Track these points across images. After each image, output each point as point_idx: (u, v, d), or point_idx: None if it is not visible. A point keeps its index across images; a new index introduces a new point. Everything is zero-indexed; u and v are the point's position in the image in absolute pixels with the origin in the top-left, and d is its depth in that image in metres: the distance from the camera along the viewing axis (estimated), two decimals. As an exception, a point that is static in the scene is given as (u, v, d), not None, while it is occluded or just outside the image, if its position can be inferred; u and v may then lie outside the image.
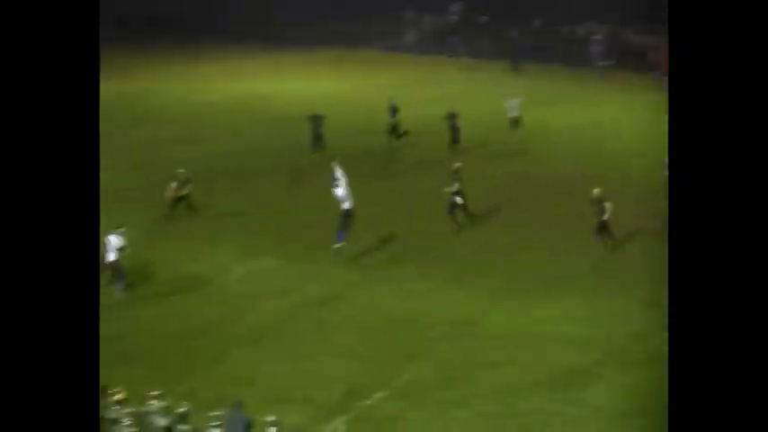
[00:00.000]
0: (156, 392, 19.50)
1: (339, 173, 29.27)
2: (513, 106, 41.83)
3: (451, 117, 39.63)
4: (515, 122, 41.88)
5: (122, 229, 27.72)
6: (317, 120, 38.98)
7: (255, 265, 29.10)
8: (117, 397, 19.46)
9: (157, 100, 48.59)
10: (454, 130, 39.41)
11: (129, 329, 25.19)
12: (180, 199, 32.11)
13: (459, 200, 30.88)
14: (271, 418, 18.64)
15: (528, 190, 34.57)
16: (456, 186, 30.90)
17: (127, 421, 19.09)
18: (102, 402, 19.30)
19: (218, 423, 18.83)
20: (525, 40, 53.70)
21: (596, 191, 29.42)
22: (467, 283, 27.79)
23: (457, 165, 31.63)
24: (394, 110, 40.38)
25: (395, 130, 39.98)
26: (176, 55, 58.89)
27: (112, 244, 27.26)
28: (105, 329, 24.29)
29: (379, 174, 37.31)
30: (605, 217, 29.10)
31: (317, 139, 38.90)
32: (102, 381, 21.17)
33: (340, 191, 29.24)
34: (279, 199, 34.41)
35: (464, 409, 21.54)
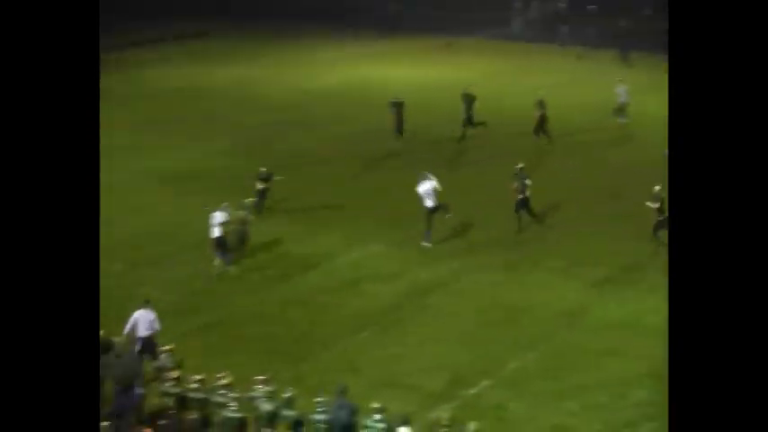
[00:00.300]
0: (262, 377, 19.75)
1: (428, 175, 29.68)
2: (620, 92, 41.20)
3: (541, 105, 38.88)
4: (621, 109, 41.17)
5: (226, 204, 28.43)
6: (397, 106, 38.61)
7: (362, 251, 29.22)
8: (223, 381, 19.76)
9: (270, 86, 48.92)
10: (542, 121, 38.70)
11: (236, 315, 25.56)
12: (263, 194, 32.00)
13: (522, 196, 30.15)
14: (376, 405, 18.73)
15: (631, 178, 34.05)
16: (518, 185, 30.16)
17: (233, 405, 19.36)
18: (208, 386, 19.72)
19: (323, 409, 18.98)
20: (634, 29, 52.85)
21: (657, 188, 28.46)
22: (574, 272, 27.60)
23: (520, 165, 30.92)
24: (469, 100, 39.54)
25: (470, 121, 39.28)
26: (288, 41, 59.20)
27: (217, 219, 27.93)
28: (212, 315, 25.31)
29: (469, 161, 37.17)
30: (661, 217, 28.26)
31: (399, 125, 38.55)
32: (210, 365, 21.76)
33: (422, 188, 29.39)
34: (387, 184, 34.37)
35: (570, 400, 21.45)
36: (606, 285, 26.79)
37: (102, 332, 20.87)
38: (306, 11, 65.24)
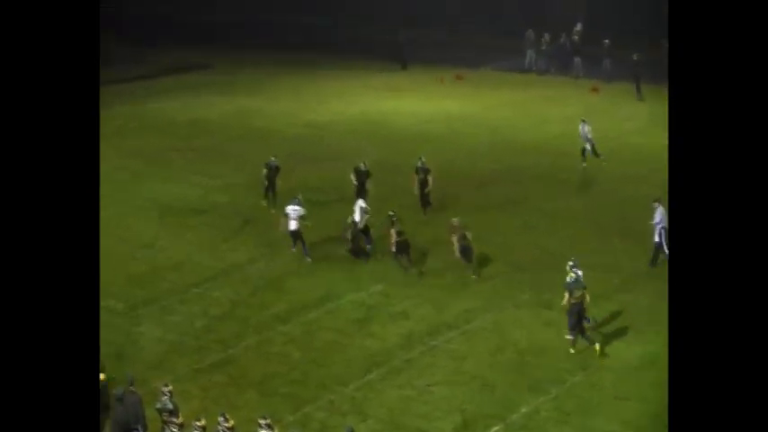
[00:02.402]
0: (265, 420, 19.73)
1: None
2: (584, 132, 40.10)
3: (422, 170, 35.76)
4: (584, 151, 39.72)
5: (299, 197, 30.88)
6: (424, 171, 36.74)
7: (368, 289, 29.24)
8: (227, 424, 19.74)
9: (274, 118, 48.98)
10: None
11: (238, 355, 25.57)
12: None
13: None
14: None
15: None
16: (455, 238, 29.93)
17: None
18: (212, 428, 19.70)
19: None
20: (648, 61, 52.85)
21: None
22: (596, 314, 27.51)
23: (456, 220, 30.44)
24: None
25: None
26: (291, 72, 59.39)
27: (291, 214, 30.46)
28: (214, 355, 25.30)
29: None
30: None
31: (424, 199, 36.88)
32: (211, 407, 21.75)
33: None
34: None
35: (584, 446, 21.41)
36: (620, 327, 26.71)
37: (102, 375, 20.94)
38: (309, 42, 65.66)
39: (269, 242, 32.16)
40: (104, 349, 25.16)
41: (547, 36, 58.48)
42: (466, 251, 29.67)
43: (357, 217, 30.95)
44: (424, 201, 34.66)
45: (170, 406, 20.30)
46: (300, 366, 24.94)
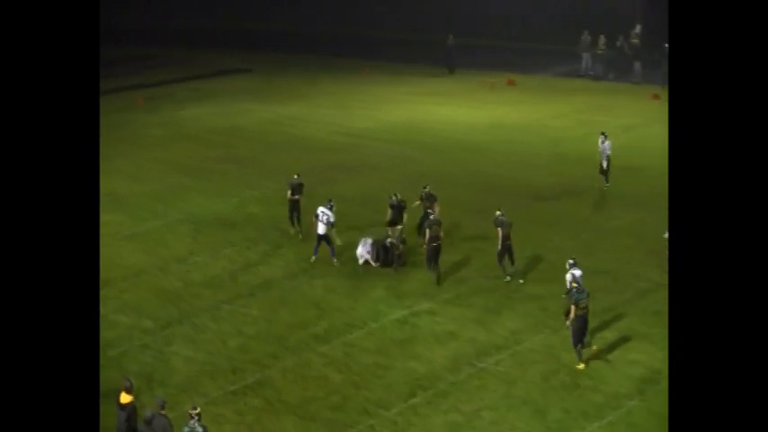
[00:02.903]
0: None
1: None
2: (603, 149, 39.03)
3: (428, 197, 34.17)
4: (603, 167, 38.91)
5: (331, 202, 31.53)
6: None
7: (412, 308, 29.08)
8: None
9: (314, 126, 49.03)
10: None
11: (274, 377, 25.45)
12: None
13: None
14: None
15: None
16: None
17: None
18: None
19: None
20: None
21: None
22: (644, 332, 27.26)
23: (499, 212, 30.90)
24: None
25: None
26: (332, 77, 59.52)
27: (321, 217, 31.29)
28: (248, 377, 25.22)
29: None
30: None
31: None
32: (252, 430, 21.62)
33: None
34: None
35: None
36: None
37: (129, 397, 20.92)
38: (352, 47, 65.86)
39: (308, 256, 32.05)
40: (134, 369, 25.38)
41: (603, 39, 58.21)
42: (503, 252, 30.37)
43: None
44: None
45: (199, 430, 20.20)
46: (340, 390, 24.76)
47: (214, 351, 26.73)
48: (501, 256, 30.48)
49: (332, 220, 31.40)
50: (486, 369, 25.63)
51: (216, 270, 31.78)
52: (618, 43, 58.15)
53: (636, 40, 57.51)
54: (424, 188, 33.42)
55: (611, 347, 26.50)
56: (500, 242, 30.29)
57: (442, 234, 30.73)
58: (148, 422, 20.56)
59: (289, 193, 34.08)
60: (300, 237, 33.49)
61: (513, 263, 30.60)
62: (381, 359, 26.23)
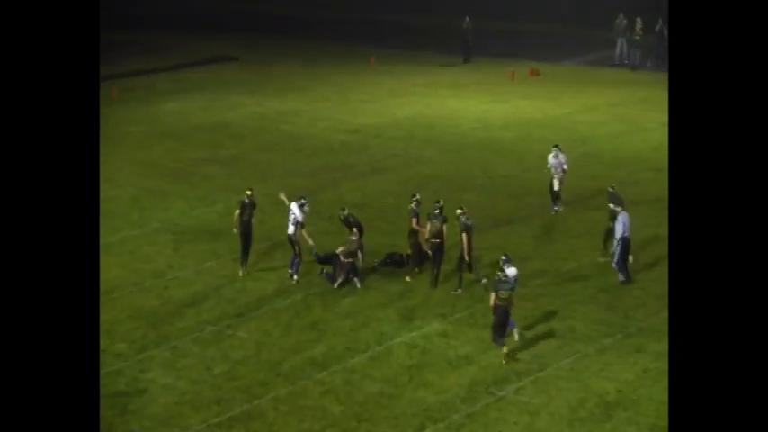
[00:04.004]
0: None
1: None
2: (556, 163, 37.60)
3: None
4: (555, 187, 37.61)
5: (303, 200, 31.90)
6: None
7: (421, 329, 29.08)
8: None
9: (310, 122, 49.04)
10: None
11: (265, 407, 25.42)
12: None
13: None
14: None
15: None
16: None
17: None
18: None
19: None
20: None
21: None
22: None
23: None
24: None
25: None
26: (330, 66, 59.62)
27: (290, 217, 31.48)
28: (235, 407, 25.14)
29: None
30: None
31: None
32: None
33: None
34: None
35: None
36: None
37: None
38: (354, 32, 66.00)
39: (304, 271, 32.01)
40: (106, 401, 25.31)
41: (640, 22, 58.16)
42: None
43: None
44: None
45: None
46: (340, 423, 24.72)
47: (197, 378, 26.74)
48: (461, 261, 31.08)
49: (300, 219, 31.20)
50: (506, 398, 25.63)
51: (199, 286, 31.91)
52: (657, 28, 58.12)
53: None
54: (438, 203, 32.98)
55: (650, 373, 26.45)
56: (465, 246, 30.69)
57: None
58: None
59: (237, 212, 32.75)
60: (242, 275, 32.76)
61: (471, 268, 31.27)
62: (387, 387, 26.22)
